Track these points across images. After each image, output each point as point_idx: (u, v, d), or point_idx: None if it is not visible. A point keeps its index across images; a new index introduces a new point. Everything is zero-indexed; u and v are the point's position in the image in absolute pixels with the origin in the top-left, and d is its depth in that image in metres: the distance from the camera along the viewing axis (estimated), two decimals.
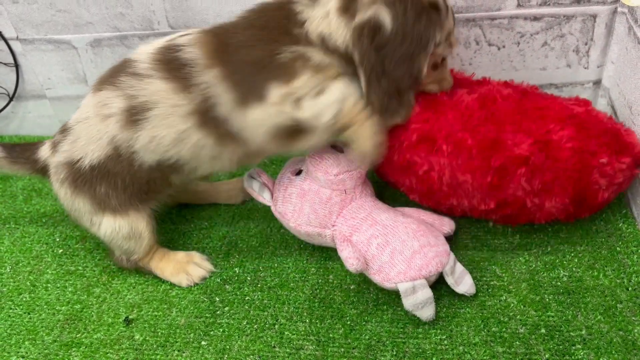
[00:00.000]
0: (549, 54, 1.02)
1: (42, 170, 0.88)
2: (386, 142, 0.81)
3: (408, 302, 0.75)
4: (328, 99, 0.74)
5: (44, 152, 0.87)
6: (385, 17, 0.71)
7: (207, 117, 0.76)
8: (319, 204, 0.83)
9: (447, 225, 0.85)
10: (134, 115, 0.77)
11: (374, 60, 0.72)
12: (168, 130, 0.77)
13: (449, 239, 0.85)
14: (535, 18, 0.98)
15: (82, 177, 0.82)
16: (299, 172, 0.86)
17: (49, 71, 1.17)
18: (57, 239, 0.99)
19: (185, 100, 0.76)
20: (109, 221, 0.83)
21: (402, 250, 0.77)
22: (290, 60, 0.74)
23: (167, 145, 0.78)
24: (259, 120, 0.75)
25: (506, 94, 0.83)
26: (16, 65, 1.17)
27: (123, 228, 0.84)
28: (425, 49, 0.73)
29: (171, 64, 0.76)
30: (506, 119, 0.79)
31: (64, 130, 0.84)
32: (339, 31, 0.74)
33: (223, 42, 0.76)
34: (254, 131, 0.77)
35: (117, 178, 0.81)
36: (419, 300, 0.74)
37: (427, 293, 0.75)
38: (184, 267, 0.88)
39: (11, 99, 1.21)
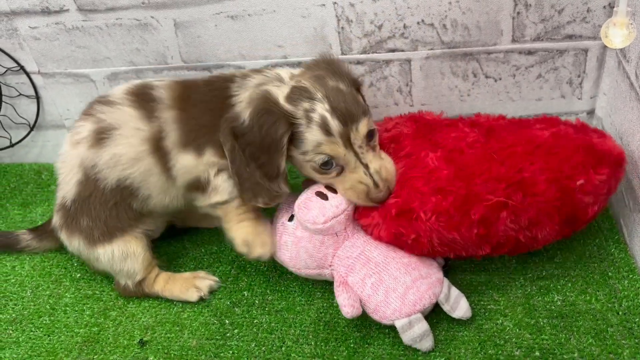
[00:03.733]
0: (544, 85, 1.07)
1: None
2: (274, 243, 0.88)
3: (406, 337, 0.78)
4: (227, 186, 0.87)
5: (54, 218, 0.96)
6: (245, 113, 0.82)
7: (157, 145, 0.87)
8: (313, 249, 0.84)
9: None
10: (100, 135, 0.88)
11: (235, 144, 0.82)
12: (127, 149, 0.87)
13: (445, 265, 0.88)
14: (530, 52, 1.03)
15: (70, 216, 0.91)
16: (291, 217, 0.87)
17: (68, 103, 1.23)
18: (75, 264, 1.04)
19: (146, 127, 0.87)
20: (101, 251, 0.91)
21: (395, 287, 0.79)
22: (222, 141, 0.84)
23: (124, 164, 0.87)
24: (189, 167, 0.87)
25: (471, 140, 0.84)
26: (37, 97, 1.23)
27: (114, 252, 0.91)
28: (277, 148, 0.81)
29: (142, 97, 0.89)
30: (475, 170, 0.80)
31: (57, 185, 0.95)
32: None
33: (186, 94, 0.89)
34: (180, 174, 0.88)
35: (90, 205, 0.89)
36: (416, 334, 0.77)
37: (424, 326, 0.78)
38: (192, 282, 0.93)
39: (32, 129, 1.27)
